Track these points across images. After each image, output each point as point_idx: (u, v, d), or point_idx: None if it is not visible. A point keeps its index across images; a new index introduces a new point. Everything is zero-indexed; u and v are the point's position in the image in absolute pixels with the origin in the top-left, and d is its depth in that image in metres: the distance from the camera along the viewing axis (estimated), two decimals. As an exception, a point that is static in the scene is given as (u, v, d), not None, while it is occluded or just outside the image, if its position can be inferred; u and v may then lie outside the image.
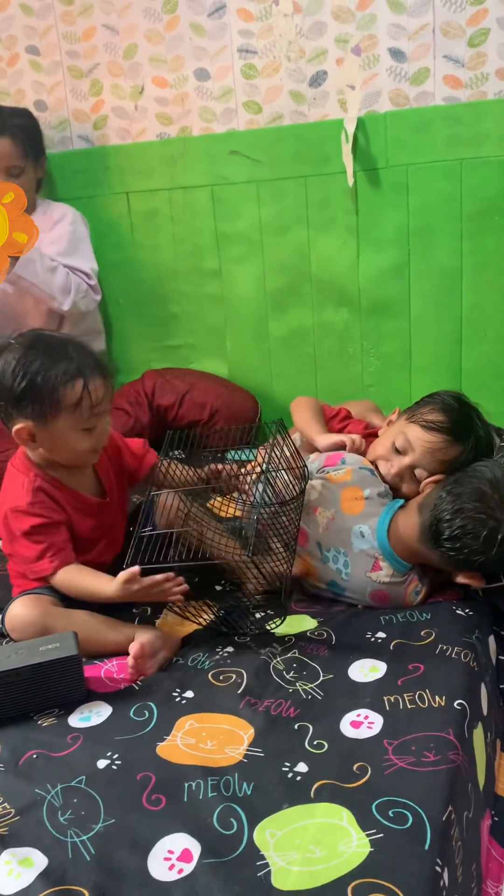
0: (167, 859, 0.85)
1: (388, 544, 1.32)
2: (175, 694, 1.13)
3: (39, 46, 2.21)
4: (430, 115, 1.90)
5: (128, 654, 1.19)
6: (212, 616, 1.31)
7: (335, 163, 1.99)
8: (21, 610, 1.25)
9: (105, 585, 1.24)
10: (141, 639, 1.21)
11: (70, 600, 1.30)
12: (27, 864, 0.85)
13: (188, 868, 0.83)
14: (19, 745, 1.04)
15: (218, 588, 1.42)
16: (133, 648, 1.18)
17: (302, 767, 0.97)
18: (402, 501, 1.36)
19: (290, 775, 0.96)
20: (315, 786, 0.94)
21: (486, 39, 1.83)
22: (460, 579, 1.27)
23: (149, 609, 1.37)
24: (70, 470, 1.35)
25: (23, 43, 2.21)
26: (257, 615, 1.31)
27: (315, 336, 2.15)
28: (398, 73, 1.92)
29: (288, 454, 1.32)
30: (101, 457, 1.38)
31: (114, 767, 0.99)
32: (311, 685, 1.13)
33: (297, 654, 1.21)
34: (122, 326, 2.32)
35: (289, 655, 1.20)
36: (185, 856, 0.85)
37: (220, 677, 1.16)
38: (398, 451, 1.41)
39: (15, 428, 1.28)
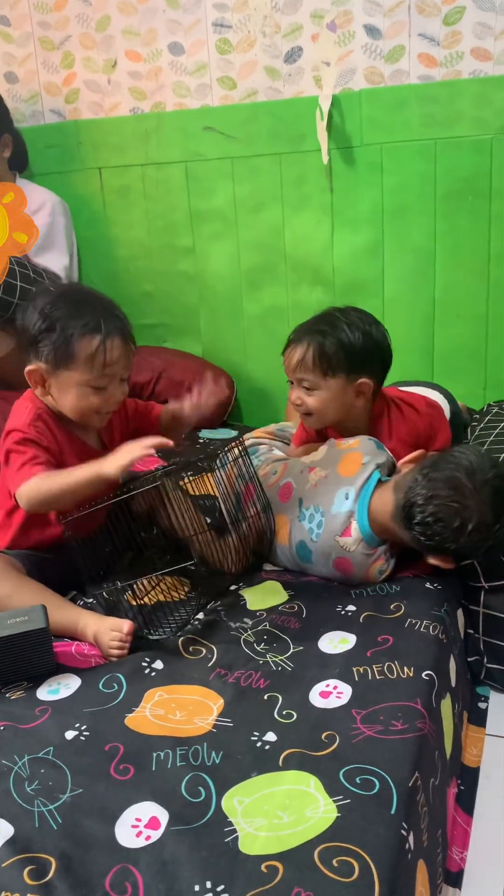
0: (135, 827, 0.85)
1: (366, 511, 1.31)
2: (144, 665, 1.12)
3: (10, 17, 2.16)
4: (404, 94, 1.89)
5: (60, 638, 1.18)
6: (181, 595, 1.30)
7: (310, 140, 1.98)
8: None
9: (95, 464, 1.18)
10: (116, 622, 1.18)
11: (33, 571, 1.28)
12: (-8, 832, 0.84)
13: (156, 835, 0.83)
14: (-14, 718, 1.04)
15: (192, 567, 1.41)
16: (126, 626, 1.15)
17: (271, 737, 0.97)
18: (386, 479, 1.36)
19: (258, 744, 0.96)
20: (283, 754, 0.94)
21: (461, 18, 1.83)
22: (431, 560, 1.28)
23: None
24: (74, 423, 1.33)
25: (-7, 13, 2.17)
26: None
27: (289, 315, 2.15)
28: (373, 50, 1.91)
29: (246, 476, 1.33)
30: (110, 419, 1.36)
31: (82, 739, 0.99)
32: (281, 657, 1.13)
33: (267, 627, 1.21)
34: (95, 304, 2.30)
35: (260, 628, 1.21)
36: (153, 823, 0.85)
37: (190, 649, 1.16)
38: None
39: (28, 368, 1.28)
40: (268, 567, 1.42)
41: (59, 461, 1.29)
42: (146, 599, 1.29)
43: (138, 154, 2.15)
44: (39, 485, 1.21)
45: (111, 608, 1.25)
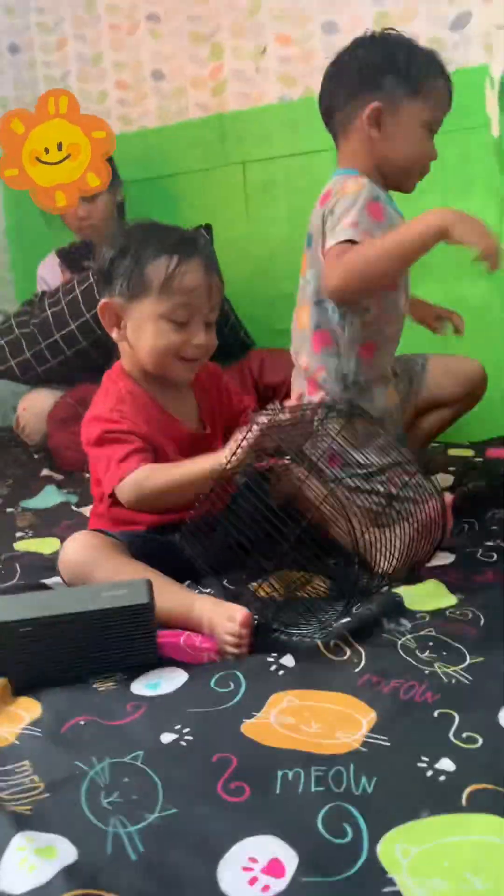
0: (247, 869, 0.57)
1: None
2: (271, 661, 0.86)
3: (159, 12, 2.11)
4: None
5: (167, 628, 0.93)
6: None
7: (477, 115, 1.75)
8: (71, 545, 1.04)
9: (203, 460, 1.03)
10: (232, 609, 0.93)
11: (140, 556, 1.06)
12: (48, 854, 0.59)
13: (278, 885, 0.56)
14: (65, 709, 0.80)
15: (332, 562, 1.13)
16: (241, 616, 0.90)
17: (446, 765, 0.67)
18: None
19: (429, 773, 0.67)
20: (467, 790, 0.64)
21: None
22: None
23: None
24: (164, 388, 1.17)
25: (143, 10, 2.13)
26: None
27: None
28: None
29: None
30: (201, 387, 1.20)
31: (182, 744, 0.73)
32: (454, 668, 0.83)
33: (433, 633, 0.91)
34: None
35: (423, 633, 0.91)
36: (274, 868, 0.57)
37: (331, 646, 0.88)
38: None
39: (101, 303, 1.14)
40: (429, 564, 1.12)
41: (152, 444, 1.13)
42: (278, 592, 1.03)
43: (285, 144, 2.01)
44: (141, 483, 1.07)
45: (235, 599, 0.99)
